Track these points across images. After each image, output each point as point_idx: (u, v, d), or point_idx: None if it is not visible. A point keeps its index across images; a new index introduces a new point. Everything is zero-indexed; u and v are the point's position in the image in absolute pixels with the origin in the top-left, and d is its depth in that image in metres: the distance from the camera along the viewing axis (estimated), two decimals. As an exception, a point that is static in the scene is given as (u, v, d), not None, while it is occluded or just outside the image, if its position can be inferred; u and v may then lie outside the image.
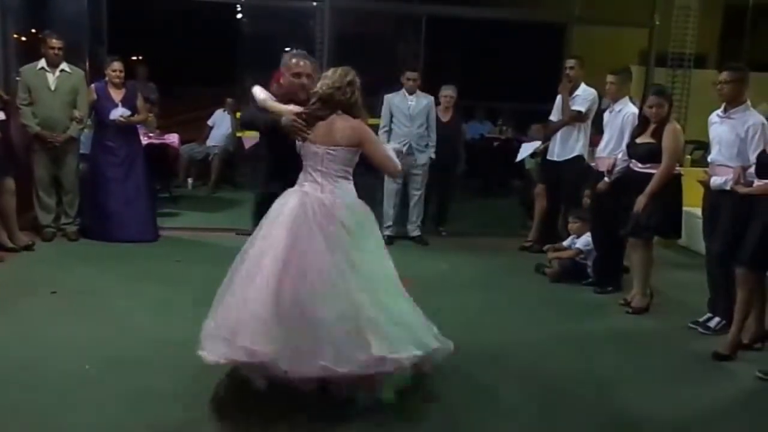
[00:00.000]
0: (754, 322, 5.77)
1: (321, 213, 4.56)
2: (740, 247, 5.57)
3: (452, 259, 8.36)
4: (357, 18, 13.12)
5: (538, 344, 5.93)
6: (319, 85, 4.72)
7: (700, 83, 10.27)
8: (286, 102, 4.93)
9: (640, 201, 6.50)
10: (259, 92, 5.00)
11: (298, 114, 4.69)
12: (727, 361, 5.67)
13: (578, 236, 7.73)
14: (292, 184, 4.80)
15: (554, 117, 8.59)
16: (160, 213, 9.35)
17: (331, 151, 4.64)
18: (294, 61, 5.09)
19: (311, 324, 4.37)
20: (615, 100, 7.37)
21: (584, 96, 8.30)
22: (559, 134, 8.45)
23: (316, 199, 4.60)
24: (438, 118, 9.08)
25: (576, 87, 8.34)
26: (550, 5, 13.37)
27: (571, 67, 8.39)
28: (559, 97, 8.50)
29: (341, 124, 4.67)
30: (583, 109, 8.26)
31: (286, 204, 4.65)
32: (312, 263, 4.46)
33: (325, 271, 4.46)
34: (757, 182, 5.60)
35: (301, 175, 4.75)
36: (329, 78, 4.69)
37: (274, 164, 5.18)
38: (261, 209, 4.98)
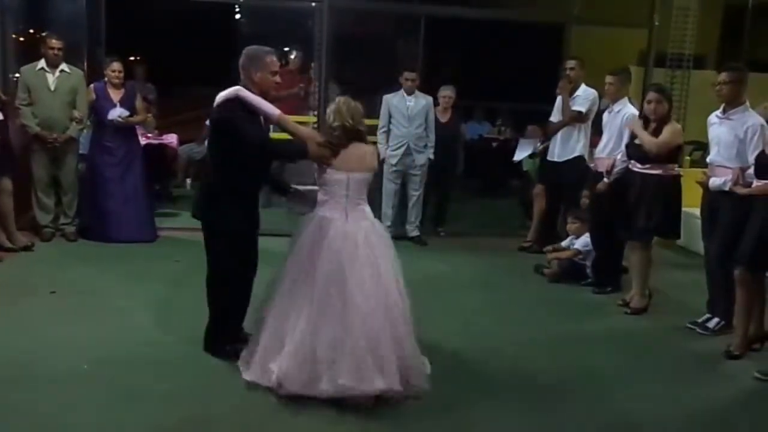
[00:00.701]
0: (753, 323, 5.77)
1: (345, 240, 4.74)
2: (739, 248, 5.57)
3: (451, 260, 8.36)
4: (356, 18, 13.09)
5: (537, 344, 5.94)
6: (336, 116, 4.83)
7: (699, 84, 10.24)
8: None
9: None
10: (270, 108, 4.98)
11: (323, 142, 4.77)
12: (737, 360, 5.69)
13: (577, 237, 7.73)
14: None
15: (554, 118, 8.57)
16: (158, 213, 9.33)
17: (357, 177, 4.83)
18: (271, 59, 5.10)
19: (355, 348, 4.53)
20: (614, 101, 7.34)
21: (584, 96, 8.29)
22: (559, 135, 8.43)
23: (340, 226, 4.77)
24: (437, 119, 9.07)
25: (576, 88, 8.34)
26: (548, 6, 13.35)
27: (572, 68, 8.39)
28: (559, 98, 8.49)
29: (361, 150, 4.89)
30: (583, 110, 8.25)
31: (312, 235, 4.80)
32: (350, 291, 4.63)
33: (370, 295, 4.65)
34: (756, 183, 5.60)
35: (321, 202, 4.87)
36: (348, 110, 4.84)
37: (250, 188, 5.20)
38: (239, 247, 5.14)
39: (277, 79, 5.14)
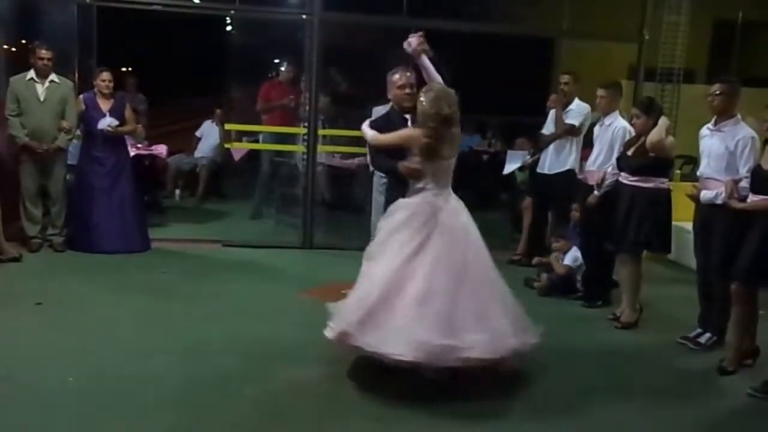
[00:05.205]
0: (746, 338, 5.74)
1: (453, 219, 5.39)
2: (735, 263, 5.52)
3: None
4: (346, 30, 13.10)
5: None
6: (435, 106, 5.15)
7: (689, 98, 10.28)
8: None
9: None
10: (367, 130, 5.48)
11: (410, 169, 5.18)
12: (729, 376, 5.67)
13: (563, 254, 7.71)
14: None
15: (547, 131, 8.55)
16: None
17: (454, 160, 5.28)
18: (395, 77, 5.80)
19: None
20: (605, 114, 7.33)
21: (578, 111, 8.28)
22: (551, 147, 8.42)
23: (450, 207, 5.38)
24: (427, 131, 9.01)
25: (570, 102, 8.33)
26: (538, 20, 13.38)
27: (566, 83, 8.38)
28: (552, 112, 8.48)
29: (456, 135, 5.33)
30: (576, 123, 8.24)
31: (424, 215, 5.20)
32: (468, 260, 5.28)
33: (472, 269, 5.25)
34: (751, 197, 5.53)
35: (428, 189, 5.27)
36: (443, 99, 5.21)
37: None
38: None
39: (407, 90, 5.70)
